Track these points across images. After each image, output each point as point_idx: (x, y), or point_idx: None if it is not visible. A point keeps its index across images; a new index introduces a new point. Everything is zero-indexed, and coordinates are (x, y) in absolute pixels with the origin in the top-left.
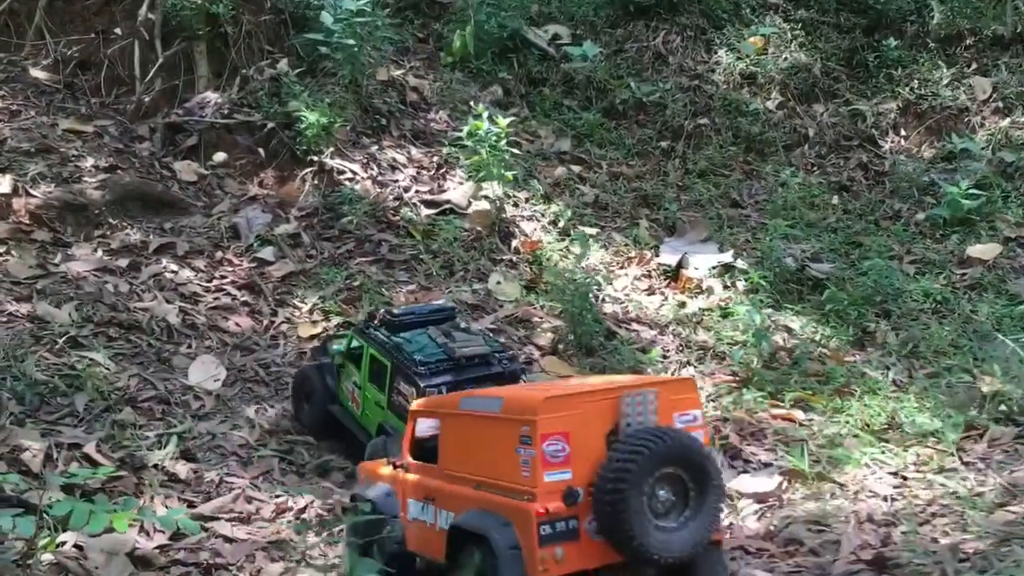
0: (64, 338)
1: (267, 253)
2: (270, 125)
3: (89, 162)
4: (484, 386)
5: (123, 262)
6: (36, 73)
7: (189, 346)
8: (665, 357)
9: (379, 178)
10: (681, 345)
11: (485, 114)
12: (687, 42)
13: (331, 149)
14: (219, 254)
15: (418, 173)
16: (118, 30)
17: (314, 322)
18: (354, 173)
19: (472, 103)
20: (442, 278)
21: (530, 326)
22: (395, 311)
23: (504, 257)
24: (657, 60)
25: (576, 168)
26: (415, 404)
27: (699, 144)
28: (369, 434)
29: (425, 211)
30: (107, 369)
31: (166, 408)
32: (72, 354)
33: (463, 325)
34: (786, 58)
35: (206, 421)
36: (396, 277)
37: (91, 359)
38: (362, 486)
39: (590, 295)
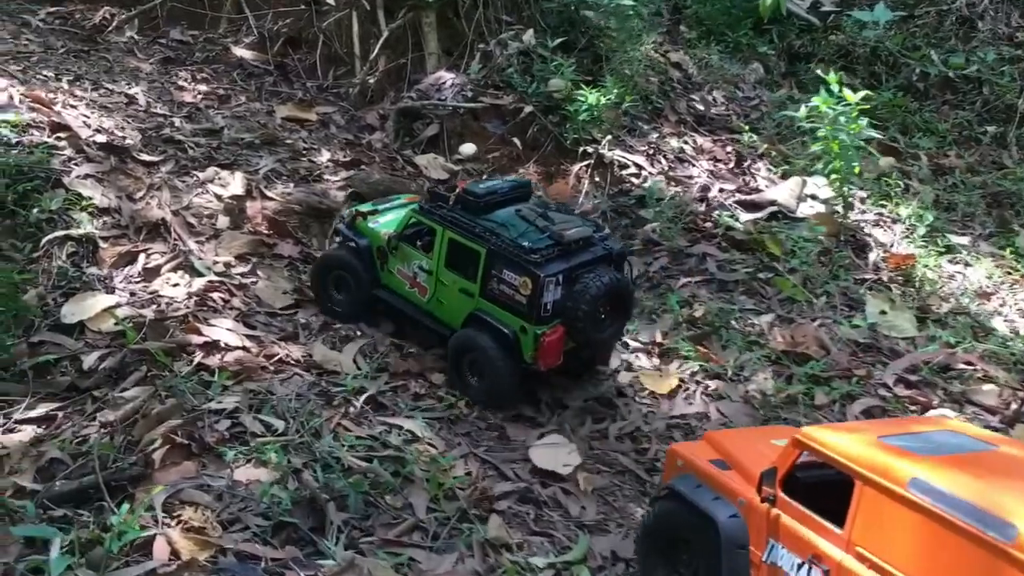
0: (363, 398)
1: None
2: (527, 109)
3: (324, 156)
4: (594, 272)
5: None
6: (239, 52)
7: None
8: None
9: (671, 173)
10: None
11: (835, 87)
12: (997, 4)
13: (607, 138)
14: None
15: (715, 166)
16: (331, 0)
17: (660, 369)
18: (639, 167)
19: (740, 82)
20: (804, 304)
21: (959, 376)
22: (476, 190)
23: (865, 276)
24: (962, 26)
25: (889, 160)
26: (806, 435)
27: None
28: (443, 323)
29: (745, 215)
30: (432, 446)
31: (537, 513)
32: (376, 421)
33: (551, 204)
34: None
35: (601, 535)
36: (741, 303)
37: (406, 430)
38: (679, 480)
39: None
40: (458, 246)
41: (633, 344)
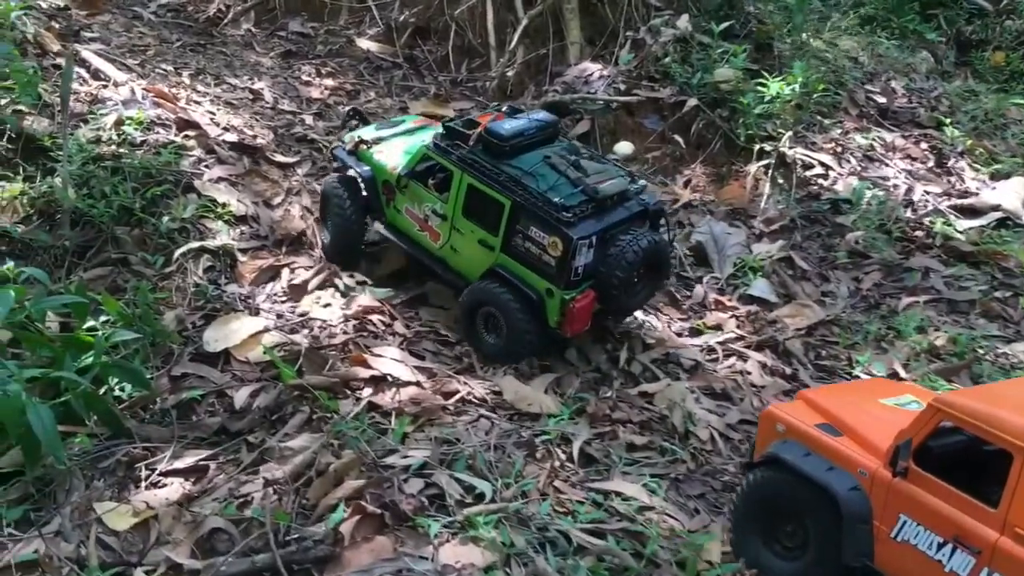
0: (573, 450)
1: (761, 288)
2: (690, 102)
3: None
4: (630, 233)
5: None
6: (364, 44)
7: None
8: None
9: (864, 173)
10: None
11: None
12: None
13: (788, 134)
14: (696, 289)
15: (911, 166)
16: None
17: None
18: (825, 167)
19: (912, 72)
20: None
21: None
22: (501, 131)
23: None
24: None
25: None
26: (947, 403)
27: None
28: (457, 272)
29: (964, 222)
30: (669, 515)
31: None
32: (589, 479)
33: (581, 147)
34: None
35: None
36: (982, 328)
37: (638, 503)
38: (783, 447)
39: None
40: (478, 194)
41: (865, 376)
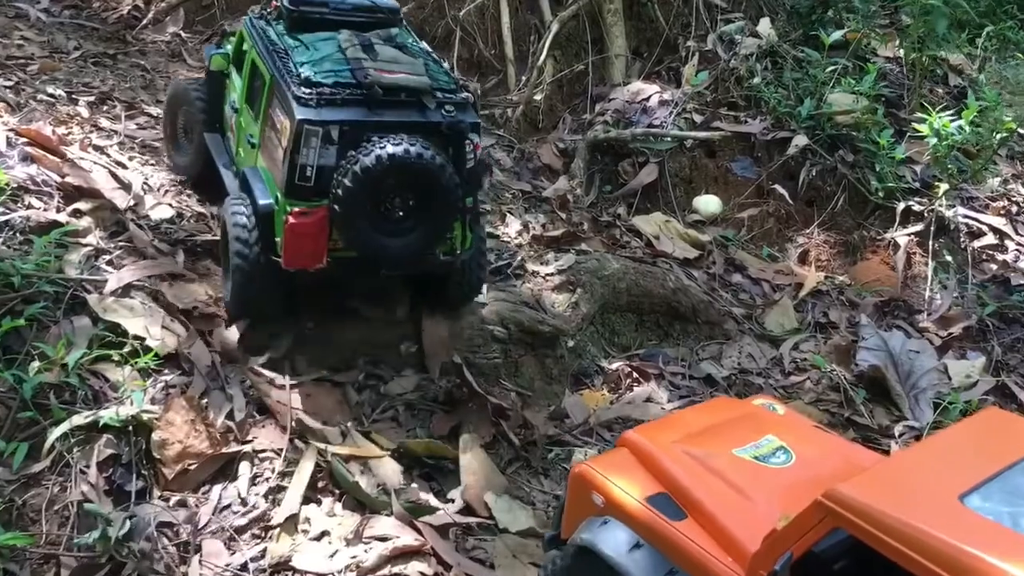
0: None
1: None
2: (797, 141)
3: (512, 227)
4: (389, 138)
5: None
6: None
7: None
8: None
9: None
10: None
11: None
12: None
13: (943, 188)
14: (893, 449)
15: None
16: None
17: None
18: (999, 234)
19: None
20: None
21: None
22: None
23: None
24: None
25: None
26: (842, 503)
27: None
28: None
29: None
30: None
31: None
32: None
33: (405, 38)
34: None
35: None
36: None
37: None
38: (600, 531)
39: None
40: (256, 71)
41: None
